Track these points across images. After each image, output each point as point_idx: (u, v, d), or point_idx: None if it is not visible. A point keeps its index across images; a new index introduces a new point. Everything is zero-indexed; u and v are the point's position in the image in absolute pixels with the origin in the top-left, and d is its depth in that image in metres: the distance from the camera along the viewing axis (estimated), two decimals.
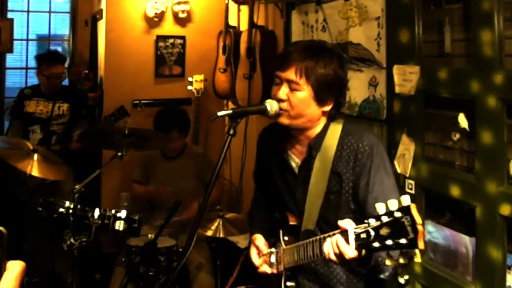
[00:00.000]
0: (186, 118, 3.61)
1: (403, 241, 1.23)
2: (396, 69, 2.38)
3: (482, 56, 1.93)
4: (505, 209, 1.85)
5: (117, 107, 3.84)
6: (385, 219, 1.27)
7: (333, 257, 1.44)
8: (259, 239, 1.88)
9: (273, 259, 1.82)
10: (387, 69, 2.50)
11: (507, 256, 1.88)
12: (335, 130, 1.75)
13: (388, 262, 1.30)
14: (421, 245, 1.22)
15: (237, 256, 2.92)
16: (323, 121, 1.76)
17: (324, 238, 1.50)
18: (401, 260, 1.27)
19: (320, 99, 1.69)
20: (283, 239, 1.81)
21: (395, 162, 2.36)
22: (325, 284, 1.77)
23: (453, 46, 2.15)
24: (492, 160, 1.90)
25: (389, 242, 1.26)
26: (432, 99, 2.22)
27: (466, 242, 2.08)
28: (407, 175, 2.30)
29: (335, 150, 1.72)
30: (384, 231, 1.27)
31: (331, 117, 1.77)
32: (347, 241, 1.38)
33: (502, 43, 1.88)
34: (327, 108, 1.72)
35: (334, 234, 1.44)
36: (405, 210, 1.24)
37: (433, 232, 2.24)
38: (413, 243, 1.22)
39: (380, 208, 1.29)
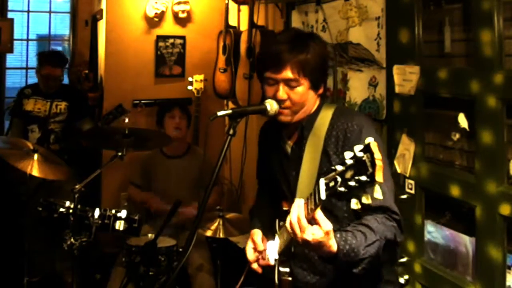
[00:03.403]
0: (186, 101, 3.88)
1: (363, 178, 1.21)
2: (396, 69, 2.38)
3: (482, 56, 1.93)
4: (505, 209, 1.85)
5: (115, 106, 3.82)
6: (349, 162, 1.26)
7: (290, 227, 1.44)
8: (257, 234, 1.89)
9: (269, 252, 1.82)
10: (387, 69, 2.50)
11: (507, 256, 1.88)
12: (328, 111, 1.78)
13: (355, 205, 1.27)
14: (378, 177, 1.19)
15: (238, 257, 2.91)
16: (317, 103, 1.80)
17: None
18: (364, 200, 1.25)
19: (316, 86, 1.74)
20: (278, 226, 1.82)
21: (395, 162, 2.36)
22: (318, 272, 1.76)
23: (453, 46, 2.15)
24: (492, 160, 1.90)
25: (352, 183, 1.24)
26: (432, 99, 2.22)
27: (466, 242, 2.08)
28: (407, 175, 2.30)
29: (326, 130, 1.73)
30: (348, 174, 1.25)
31: (322, 96, 1.81)
32: (311, 201, 1.39)
33: (502, 43, 1.88)
34: (321, 90, 1.78)
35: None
36: (366, 148, 1.22)
37: (433, 232, 2.24)
38: (372, 178, 1.20)
39: (347, 153, 1.28)
